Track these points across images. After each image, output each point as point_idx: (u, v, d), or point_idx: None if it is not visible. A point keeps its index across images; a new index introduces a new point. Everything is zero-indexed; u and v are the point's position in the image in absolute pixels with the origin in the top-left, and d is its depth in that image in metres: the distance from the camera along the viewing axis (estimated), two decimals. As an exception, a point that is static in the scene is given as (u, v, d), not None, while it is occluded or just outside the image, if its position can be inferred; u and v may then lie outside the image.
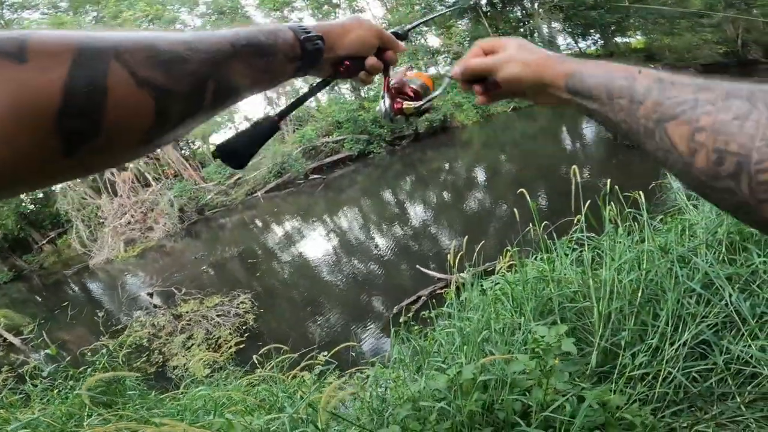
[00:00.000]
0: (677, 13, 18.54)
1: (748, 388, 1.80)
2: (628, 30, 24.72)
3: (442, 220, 11.06)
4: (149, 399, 3.31)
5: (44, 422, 2.66)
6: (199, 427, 2.03)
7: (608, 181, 2.82)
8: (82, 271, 16.87)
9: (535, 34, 24.58)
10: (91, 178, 19.19)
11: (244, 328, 7.60)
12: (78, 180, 16.41)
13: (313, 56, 0.66)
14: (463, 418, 1.70)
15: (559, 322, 2.29)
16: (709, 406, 1.81)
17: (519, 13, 25.22)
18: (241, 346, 6.92)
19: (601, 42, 25.51)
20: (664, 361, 1.94)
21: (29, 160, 0.35)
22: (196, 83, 0.47)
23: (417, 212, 12.41)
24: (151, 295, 10.19)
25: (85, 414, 2.73)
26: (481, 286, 3.33)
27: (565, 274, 2.67)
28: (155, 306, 9.41)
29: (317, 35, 0.66)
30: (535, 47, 0.71)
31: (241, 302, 8.40)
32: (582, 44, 25.89)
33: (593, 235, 2.90)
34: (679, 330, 2.03)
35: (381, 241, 10.85)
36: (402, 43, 0.82)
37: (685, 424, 1.75)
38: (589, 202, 2.90)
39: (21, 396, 3.60)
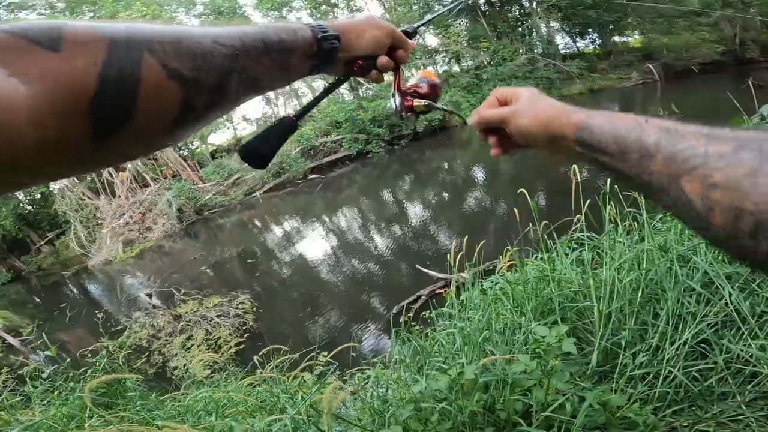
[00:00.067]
0: (675, 11, 18.56)
1: (749, 387, 1.80)
2: (626, 29, 24.79)
3: (442, 219, 11.06)
4: (150, 400, 3.31)
5: (45, 424, 2.67)
6: (201, 429, 2.04)
7: (608, 180, 2.82)
8: (81, 272, 16.83)
9: (534, 33, 24.59)
10: (89, 178, 19.19)
11: (243, 328, 7.59)
12: (76, 180, 16.37)
13: (329, 55, 0.67)
14: (464, 419, 1.71)
15: (559, 321, 2.30)
16: (710, 405, 1.82)
17: (517, 13, 25.22)
18: (241, 347, 6.91)
19: (599, 41, 25.55)
20: (665, 360, 1.95)
21: (59, 147, 0.36)
22: (221, 76, 0.49)
23: (416, 212, 12.41)
24: (150, 295, 10.19)
25: (86, 416, 2.73)
26: (481, 285, 3.34)
27: (565, 274, 2.68)
28: (154, 307, 9.40)
29: (334, 35, 0.67)
30: (547, 99, 0.69)
31: (241, 302, 8.39)
32: (580, 43, 25.94)
33: (593, 234, 2.90)
34: (680, 329, 2.04)
35: (380, 241, 10.85)
36: (412, 42, 0.83)
37: (686, 424, 1.76)
38: (588, 201, 2.91)
39: (21, 398, 3.60)
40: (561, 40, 25.69)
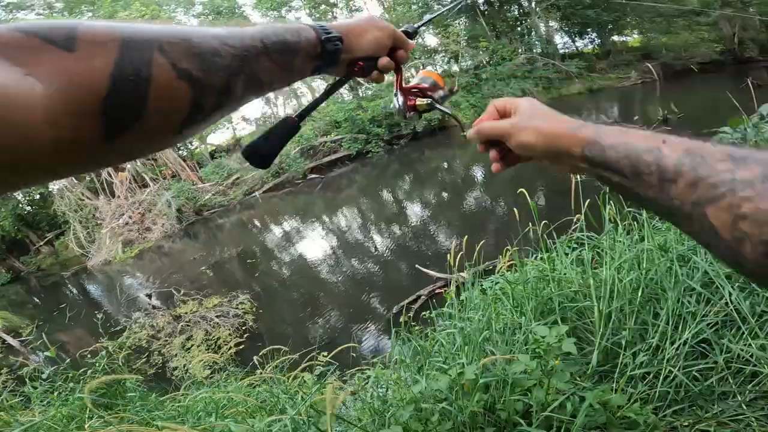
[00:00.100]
0: (674, 11, 18.57)
1: (749, 386, 1.80)
2: (624, 29, 24.81)
3: (441, 219, 11.06)
4: (150, 401, 3.31)
5: (45, 425, 2.66)
6: (201, 430, 2.03)
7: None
8: (80, 273, 16.81)
9: (533, 33, 24.59)
10: (88, 178, 19.18)
11: (243, 328, 7.59)
12: (75, 180, 16.35)
13: (332, 56, 0.68)
14: (465, 419, 1.70)
15: (559, 321, 2.30)
16: (710, 404, 1.82)
17: (516, 12, 25.23)
18: (241, 347, 6.91)
19: (598, 41, 25.56)
20: (665, 360, 1.95)
21: (73, 146, 0.37)
22: (228, 77, 0.50)
23: (416, 211, 12.40)
24: (149, 296, 10.18)
25: (86, 416, 2.73)
26: (481, 285, 3.34)
27: (565, 274, 2.68)
28: (154, 307, 9.39)
29: (337, 36, 0.68)
30: (548, 110, 0.66)
31: (240, 303, 8.38)
32: (579, 43, 25.95)
33: (593, 234, 2.90)
34: (680, 329, 2.04)
35: (380, 241, 10.85)
36: (413, 42, 0.83)
37: (686, 423, 1.76)
38: (588, 201, 2.91)
39: (21, 398, 3.59)
40: (560, 40, 25.75)
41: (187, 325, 7.93)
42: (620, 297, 2.24)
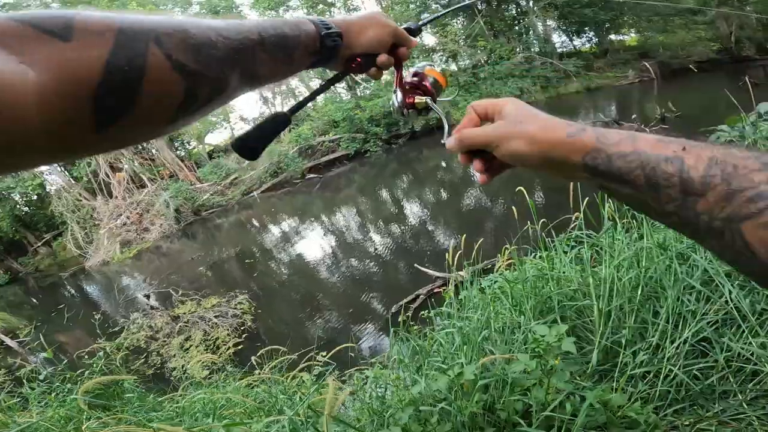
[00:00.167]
0: (671, 10, 18.58)
1: (749, 385, 1.80)
2: (622, 27, 24.84)
3: (440, 218, 11.06)
4: (148, 402, 3.30)
5: (43, 426, 2.65)
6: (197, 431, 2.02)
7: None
8: (78, 273, 16.79)
9: (530, 32, 24.60)
10: (85, 179, 19.15)
11: (242, 328, 7.58)
12: (73, 181, 16.32)
13: (331, 52, 0.68)
14: (464, 419, 1.69)
15: (559, 320, 2.29)
16: (711, 404, 1.81)
17: (514, 11, 25.23)
18: (240, 347, 6.90)
19: (595, 40, 25.58)
20: (665, 358, 1.94)
21: (65, 132, 0.37)
22: (223, 69, 0.50)
23: (414, 211, 12.40)
24: (148, 296, 10.15)
25: (84, 417, 2.72)
26: (480, 284, 3.33)
27: (564, 272, 2.67)
28: (152, 308, 9.37)
29: (337, 32, 0.68)
30: (536, 112, 0.58)
31: (239, 303, 8.37)
32: (577, 42, 25.97)
33: (592, 232, 2.90)
34: (680, 327, 2.03)
35: (378, 240, 10.84)
36: (414, 39, 0.82)
37: (687, 423, 1.75)
38: (587, 199, 2.90)
39: (19, 399, 3.58)
40: (558, 39, 25.72)
41: (186, 326, 7.92)
42: (620, 295, 2.23)
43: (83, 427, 2.43)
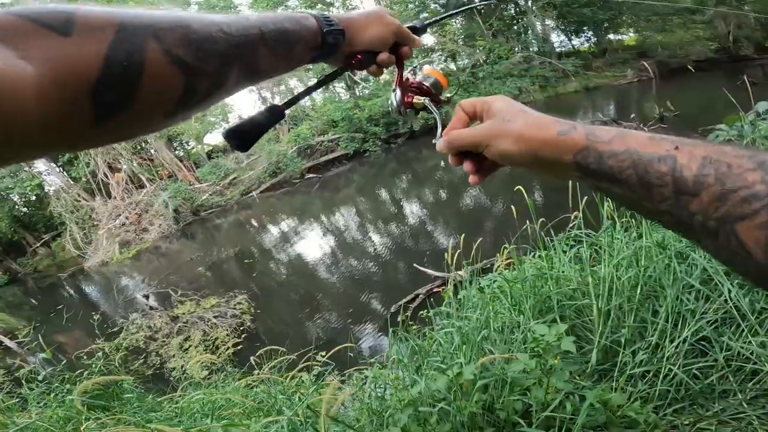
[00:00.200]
0: (669, 9, 18.59)
1: (749, 384, 1.79)
2: (620, 27, 24.84)
3: (439, 218, 11.06)
4: (147, 402, 3.29)
5: (42, 426, 2.64)
6: (196, 432, 2.02)
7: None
8: (77, 274, 16.77)
9: (529, 32, 24.60)
10: (84, 179, 19.13)
11: (241, 329, 7.57)
12: (71, 182, 16.30)
13: (331, 48, 0.68)
14: (464, 419, 1.69)
15: (558, 319, 2.29)
16: (711, 403, 1.81)
17: (513, 11, 25.22)
18: (239, 347, 6.90)
19: (594, 39, 25.58)
20: (665, 358, 1.94)
21: (63, 125, 0.38)
22: (223, 64, 0.50)
23: (413, 210, 12.40)
24: (147, 297, 10.14)
25: (83, 418, 2.71)
26: (479, 284, 3.32)
27: (563, 272, 2.67)
28: (151, 308, 9.36)
29: (339, 29, 0.67)
30: (526, 110, 0.57)
31: (238, 303, 8.37)
32: (575, 41, 25.97)
33: (591, 231, 2.89)
34: (679, 327, 2.03)
35: (378, 240, 10.83)
36: (418, 39, 0.82)
37: (687, 422, 1.75)
38: (586, 198, 2.89)
39: (18, 400, 3.57)
40: (556, 38, 25.70)
41: (185, 326, 7.92)
42: (619, 294, 2.23)
43: (82, 428, 2.43)
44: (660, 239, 2.42)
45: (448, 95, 0.83)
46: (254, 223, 16.40)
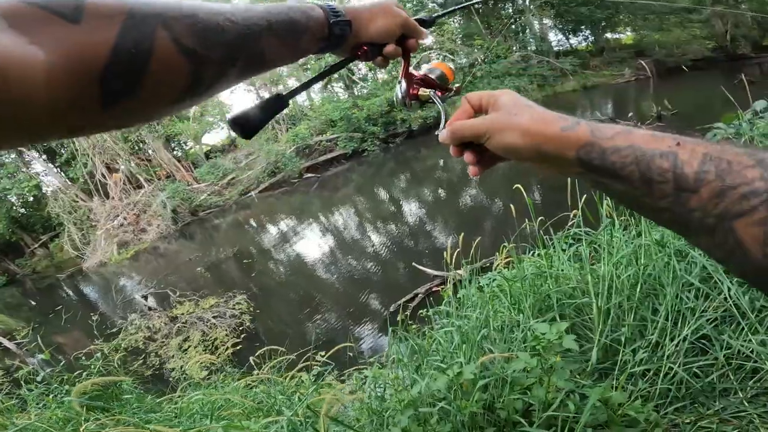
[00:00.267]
0: (666, 8, 18.60)
1: (750, 383, 1.79)
2: (618, 26, 24.86)
3: (438, 217, 11.06)
4: (146, 403, 3.29)
5: (41, 428, 2.64)
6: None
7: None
8: (76, 275, 16.73)
9: (527, 30, 24.61)
10: (82, 180, 19.09)
11: (240, 329, 7.56)
12: (69, 182, 16.26)
13: (338, 39, 0.68)
14: (464, 419, 1.69)
15: (558, 318, 2.29)
16: (712, 401, 1.81)
17: (510, 10, 25.23)
18: (238, 347, 6.90)
19: (591, 38, 25.60)
20: (665, 356, 1.94)
21: (71, 110, 0.38)
22: (229, 53, 0.51)
23: (412, 210, 12.40)
24: (145, 297, 10.13)
25: (82, 419, 2.71)
26: (479, 283, 3.32)
27: (562, 270, 2.66)
28: (150, 308, 9.34)
29: (346, 20, 0.68)
30: (532, 105, 0.57)
31: (237, 303, 8.36)
32: (573, 40, 25.98)
33: (590, 230, 2.89)
34: (679, 325, 2.02)
35: (377, 240, 10.83)
36: (425, 31, 0.81)
37: (688, 421, 1.75)
38: (585, 196, 2.89)
39: (17, 401, 3.57)
40: (554, 37, 25.70)
41: (184, 326, 7.91)
42: (618, 293, 2.22)
43: (81, 429, 2.42)
44: (659, 237, 2.42)
45: (457, 85, 0.83)
46: (253, 223, 16.38)
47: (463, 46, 23.53)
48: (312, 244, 11.62)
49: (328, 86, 24.42)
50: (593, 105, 18.51)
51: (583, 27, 25.03)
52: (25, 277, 19.60)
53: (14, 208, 21.37)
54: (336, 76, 22.73)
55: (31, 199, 21.27)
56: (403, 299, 6.31)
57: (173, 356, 7.11)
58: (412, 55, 0.81)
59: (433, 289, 6.29)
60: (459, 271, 3.62)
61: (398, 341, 2.83)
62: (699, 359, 1.94)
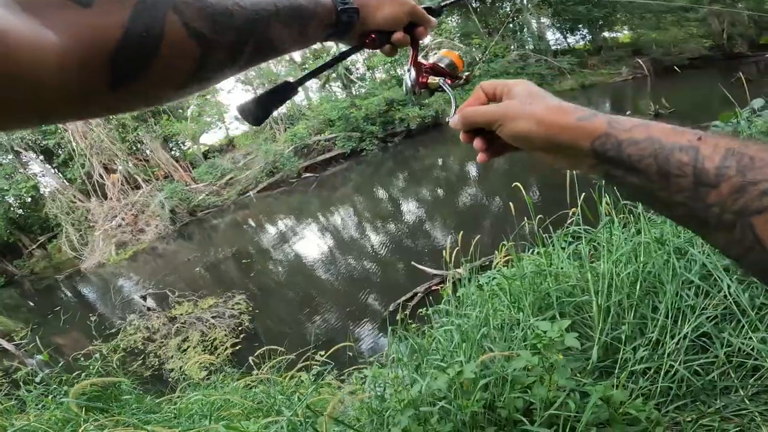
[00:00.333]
0: (663, 7, 18.62)
1: (751, 381, 1.79)
2: (615, 25, 24.90)
3: (437, 216, 11.06)
4: (145, 403, 3.28)
5: (40, 429, 2.63)
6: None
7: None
8: (74, 275, 16.70)
9: (525, 29, 24.62)
10: (79, 180, 19.05)
11: (239, 329, 7.55)
12: (66, 183, 16.23)
13: (346, 27, 0.68)
14: (465, 418, 1.68)
15: (558, 316, 2.28)
16: (713, 399, 1.80)
17: (508, 9, 25.24)
18: (237, 348, 6.89)
19: (589, 37, 25.64)
20: (666, 354, 1.93)
21: (81, 92, 0.39)
22: (238, 38, 0.51)
23: (411, 209, 12.39)
24: (144, 297, 10.10)
25: (81, 420, 2.70)
26: (478, 281, 3.32)
27: (562, 268, 2.66)
28: (149, 309, 9.32)
29: (354, 7, 0.68)
30: (546, 94, 0.56)
31: (236, 303, 8.35)
32: (571, 39, 26.02)
33: (589, 227, 2.88)
34: (679, 323, 2.02)
35: (375, 239, 10.82)
36: (434, 19, 0.81)
37: (689, 419, 1.74)
38: (584, 194, 2.89)
39: (16, 402, 3.56)
40: (552, 36, 25.76)
41: (183, 327, 7.89)
42: (618, 291, 2.22)
43: (80, 430, 2.41)
44: (659, 235, 2.42)
45: (467, 74, 0.82)
46: (251, 223, 16.36)
47: (461, 45, 23.52)
48: (311, 244, 11.61)
49: (326, 86, 24.42)
50: (591, 104, 18.44)
51: (580, 26, 25.08)
52: (24, 278, 19.56)
53: (12, 209, 21.34)
54: (334, 75, 22.74)
55: (29, 199, 21.23)
56: (403, 298, 6.30)
57: (172, 357, 7.10)
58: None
59: (433, 288, 6.29)
60: (458, 270, 3.62)
61: (398, 340, 2.82)
62: (699, 357, 1.93)
